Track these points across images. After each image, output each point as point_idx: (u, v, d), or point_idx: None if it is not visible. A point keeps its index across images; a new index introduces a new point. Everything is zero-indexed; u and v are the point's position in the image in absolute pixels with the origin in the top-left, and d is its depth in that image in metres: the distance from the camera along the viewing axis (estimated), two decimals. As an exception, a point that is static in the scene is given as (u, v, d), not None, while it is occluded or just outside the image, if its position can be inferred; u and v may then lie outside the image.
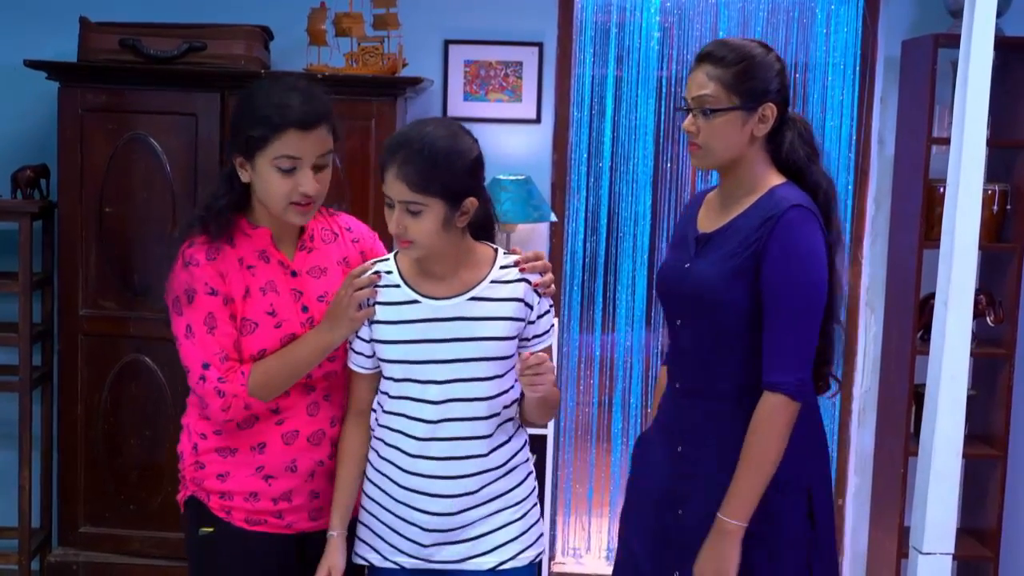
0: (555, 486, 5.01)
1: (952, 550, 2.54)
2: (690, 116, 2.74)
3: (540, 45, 4.85)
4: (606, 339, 5.09)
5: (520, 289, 2.69)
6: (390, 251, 2.84)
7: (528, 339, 2.72)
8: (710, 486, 2.71)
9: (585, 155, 4.99)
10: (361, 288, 2.68)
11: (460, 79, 4.86)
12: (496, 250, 2.75)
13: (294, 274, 2.77)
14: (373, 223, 4.35)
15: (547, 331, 2.76)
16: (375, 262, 2.77)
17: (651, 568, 2.85)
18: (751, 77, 2.71)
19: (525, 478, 2.77)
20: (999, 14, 4.55)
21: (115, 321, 4.45)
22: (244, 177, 2.71)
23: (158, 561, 4.45)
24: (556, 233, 4.93)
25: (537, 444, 4.59)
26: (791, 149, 2.78)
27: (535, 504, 2.80)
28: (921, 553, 2.55)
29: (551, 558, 5.05)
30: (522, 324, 2.69)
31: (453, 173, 2.57)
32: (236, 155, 2.69)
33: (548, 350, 2.76)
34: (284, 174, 2.65)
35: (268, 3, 4.71)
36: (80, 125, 4.39)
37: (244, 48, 4.38)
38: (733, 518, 2.61)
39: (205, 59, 4.37)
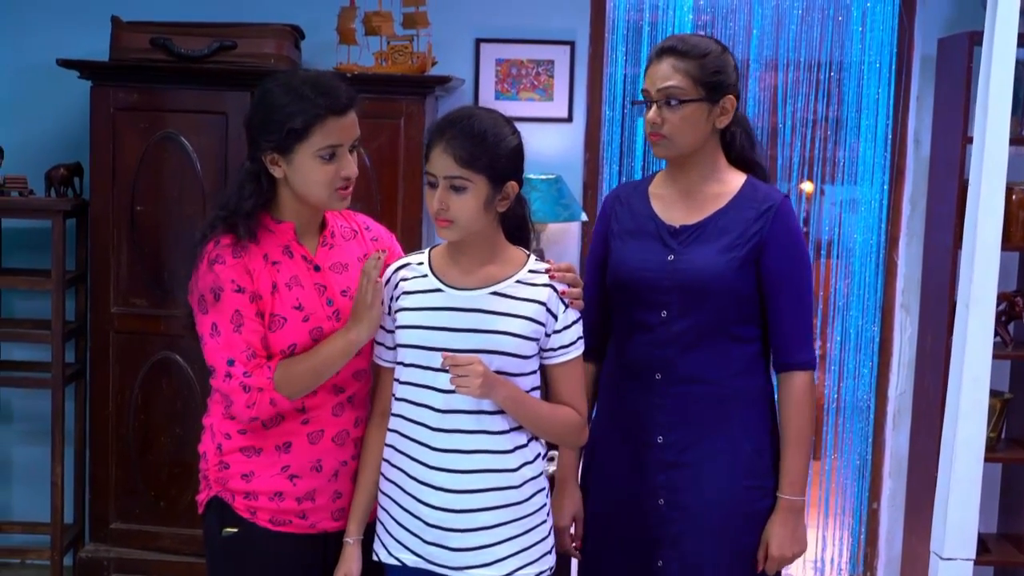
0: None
1: (973, 555, 2.50)
2: (654, 108, 2.81)
3: (572, 44, 4.84)
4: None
5: (544, 293, 2.68)
6: (407, 254, 2.86)
7: (554, 349, 2.71)
8: (705, 470, 2.83)
9: (617, 154, 4.95)
10: (376, 278, 2.68)
11: (491, 78, 4.85)
12: (528, 255, 2.75)
13: (317, 268, 2.77)
14: (402, 221, 4.40)
15: (574, 343, 2.73)
16: (404, 260, 2.78)
17: (626, 562, 2.91)
18: (714, 70, 2.82)
19: (534, 493, 2.71)
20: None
21: (146, 319, 4.48)
22: (277, 173, 2.70)
23: (187, 558, 4.45)
24: (588, 233, 4.90)
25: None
26: (742, 141, 2.96)
27: (543, 521, 2.74)
28: (942, 559, 2.50)
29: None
30: (542, 329, 2.67)
31: (498, 152, 2.61)
32: (267, 153, 2.67)
33: (576, 363, 2.74)
34: (326, 162, 2.67)
35: (299, 2, 4.72)
36: (112, 124, 4.43)
37: (274, 47, 4.39)
38: (796, 495, 2.84)
39: (235, 58, 4.39)
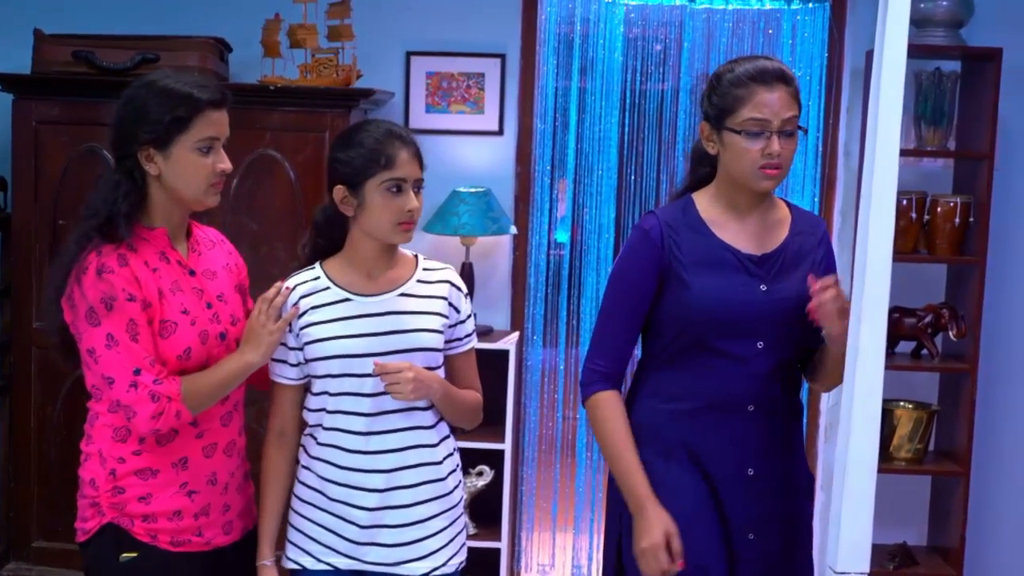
0: (518, 501, 4.96)
1: (867, 569, 2.48)
2: (776, 139, 2.70)
3: (503, 56, 4.82)
4: (570, 353, 5.04)
5: (444, 289, 2.81)
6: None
7: (459, 339, 2.85)
8: (789, 493, 2.85)
9: (548, 167, 4.94)
10: (275, 306, 2.73)
11: (422, 90, 4.83)
12: (416, 256, 2.87)
13: (192, 273, 2.76)
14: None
15: (472, 332, 2.89)
16: (298, 279, 2.79)
17: None
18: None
19: (456, 485, 2.85)
20: (961, 24, 4.52)
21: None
22: (153, 170, 2.66)
23: (111, 576, 4.40)
24: (519, 246, 4.89)
25: (495, 458, 4.55)
26: None
27: (463, 513, 2.88)
28: (836, 573, 2.49)
29: (515, 574, 4.99)
30: (447, 322, 2.79)
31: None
32: (143, 148, 2.64)
33: (472, 351, 2.90)
34: (204, 155, 2.68)
35: (225, 16, 4.70)
36: (34, 137, 4.39)
37: (198, 60, 4.35)
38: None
39: (158, 71, 4.35)
